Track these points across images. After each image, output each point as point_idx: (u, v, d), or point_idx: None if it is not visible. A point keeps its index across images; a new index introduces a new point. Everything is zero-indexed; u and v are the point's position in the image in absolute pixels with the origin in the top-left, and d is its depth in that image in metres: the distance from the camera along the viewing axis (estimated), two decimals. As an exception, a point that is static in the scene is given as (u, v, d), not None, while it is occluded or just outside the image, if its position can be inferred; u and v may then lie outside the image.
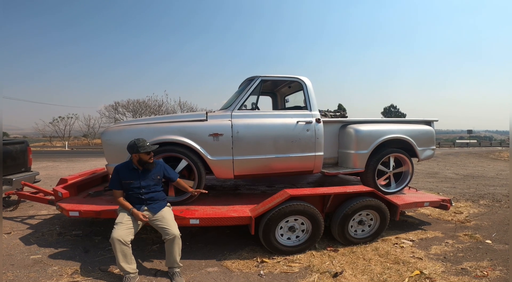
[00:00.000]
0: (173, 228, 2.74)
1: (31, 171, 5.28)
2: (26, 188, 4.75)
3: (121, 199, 2.89)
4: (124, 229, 2.62)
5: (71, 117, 30.21)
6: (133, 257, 2.64)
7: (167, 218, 2.83)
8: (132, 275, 2.59)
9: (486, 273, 2.84)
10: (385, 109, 51.48)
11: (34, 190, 4.63)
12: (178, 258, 2.72)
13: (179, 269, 2.74)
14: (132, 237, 2.65)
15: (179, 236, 2.72)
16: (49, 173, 9.35)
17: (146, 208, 2.87)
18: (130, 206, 2.83)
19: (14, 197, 5.09)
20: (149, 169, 2.93)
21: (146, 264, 2.96)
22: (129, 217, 2.75)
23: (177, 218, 3.03)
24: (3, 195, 4.85)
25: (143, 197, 2.88)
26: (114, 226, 2.65)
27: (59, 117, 29.11)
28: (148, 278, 2.69)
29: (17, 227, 4.00)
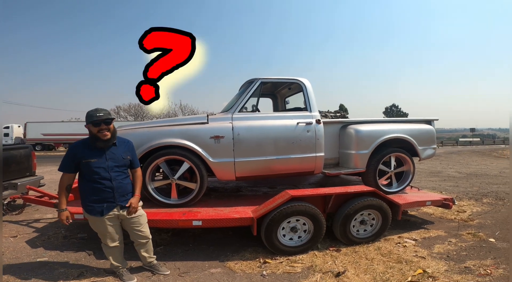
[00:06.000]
0: (148, 232, 2.72)
1: (36, 175, 5.34)
2: (31, 192, 4.80)
3: (64, 190, 2.39)
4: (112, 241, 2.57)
5: (74, 122, 30.34)
6: (122, 254, 2.72)
7: (142, 221, 2.66)
8: (121, 269, 2.68)
9: (489, 271, 2.84)
10: (386, 108, 51.30)
11: (39, 194, 4.67)
12: (152, 254, 2.80)
13: (155, 260, 2.82)
14: (120, 237, 2.64)
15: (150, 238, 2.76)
16: (53, 177, 9.40)
17: (121, 211, 2.49)
18: (64, 203, 2.39)
19: (20, 201, 5.14)
20: (104, 147, 2.38)
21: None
22: (105, 224, 2.48)
23: (180, 220, 3.07)
24: (9, 199, 4.91)
25: (113, 184, 2.40)
26: (102, 240, 2.58)
27: (62, 121, 29.29)
28: (152, 280, 2.72)
29: (23, 231, 4.06)
